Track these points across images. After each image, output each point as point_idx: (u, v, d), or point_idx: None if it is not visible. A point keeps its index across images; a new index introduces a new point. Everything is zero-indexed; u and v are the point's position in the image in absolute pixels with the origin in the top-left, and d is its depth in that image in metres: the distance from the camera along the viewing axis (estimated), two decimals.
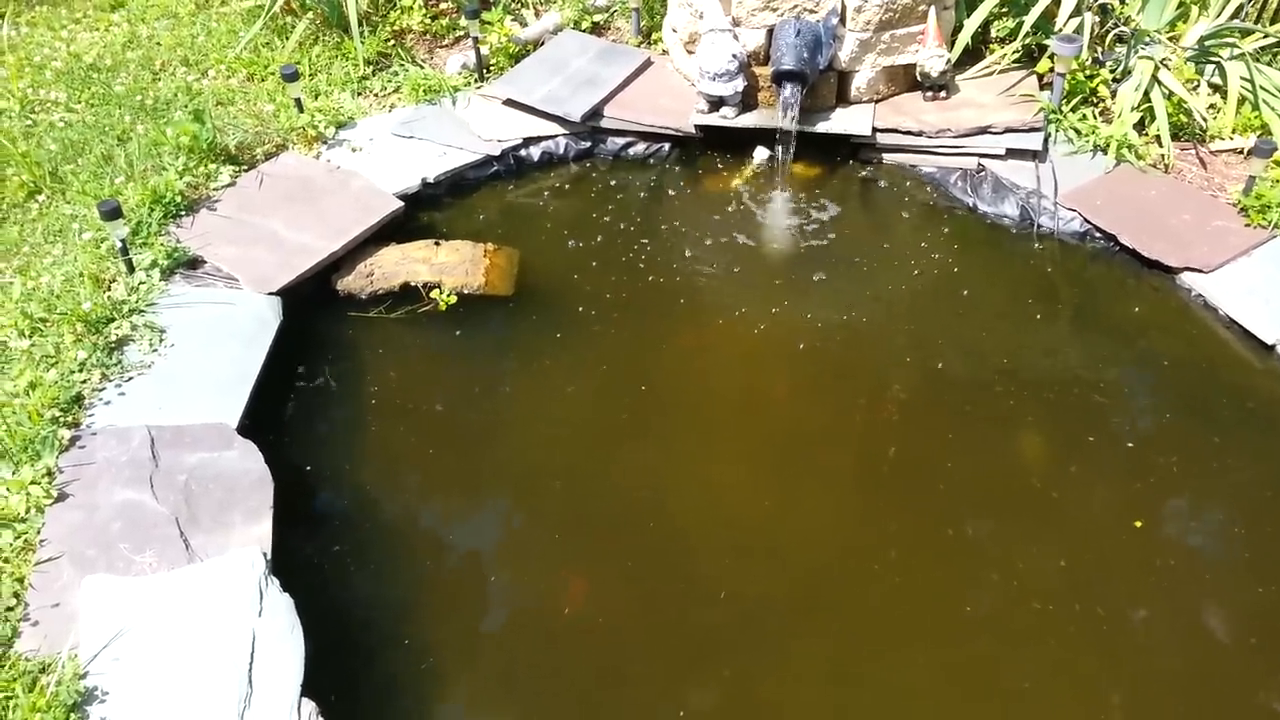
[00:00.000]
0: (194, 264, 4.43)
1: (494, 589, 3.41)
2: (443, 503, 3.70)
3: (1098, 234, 4.68)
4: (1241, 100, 5.08)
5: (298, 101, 5.23)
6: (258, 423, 3.76)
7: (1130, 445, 3.75)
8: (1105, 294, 4.48)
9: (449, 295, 4.44)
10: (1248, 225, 4.53)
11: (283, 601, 3.03)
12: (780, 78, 4.93)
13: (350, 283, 4.52)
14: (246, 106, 5.40)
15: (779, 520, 3.61)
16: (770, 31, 5.07)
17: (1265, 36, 5.22)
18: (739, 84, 5.11)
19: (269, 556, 3.17)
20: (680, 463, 3.82)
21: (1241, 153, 5.04)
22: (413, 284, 4.50)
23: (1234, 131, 5.11)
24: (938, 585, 3.38)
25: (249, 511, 3.32)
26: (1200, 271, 4.36)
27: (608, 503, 3.67)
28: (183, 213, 4.66)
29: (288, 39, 5.83)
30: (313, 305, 4.42)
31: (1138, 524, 3.51)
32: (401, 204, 4.82)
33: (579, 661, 3.21)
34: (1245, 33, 5.23)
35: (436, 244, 4.68)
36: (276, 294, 4.30)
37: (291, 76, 5.14)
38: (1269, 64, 5.24)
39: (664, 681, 3.15)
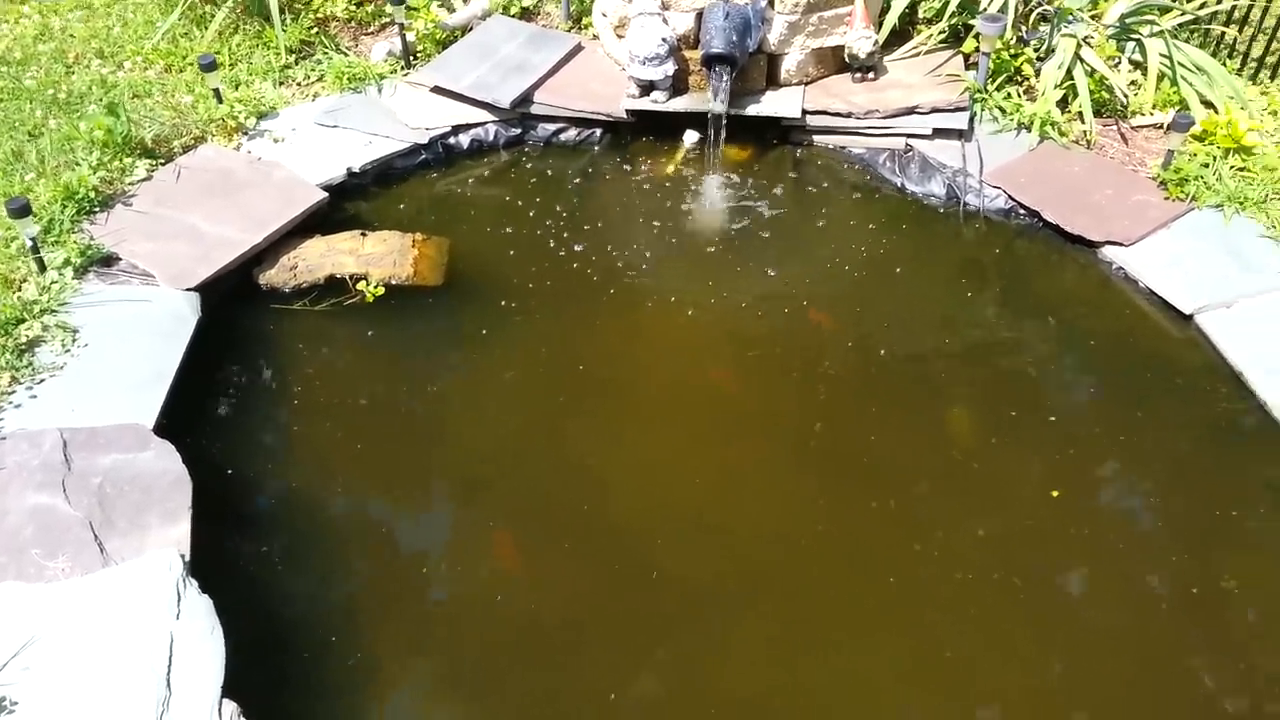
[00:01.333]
0: (109, 261, 4.30)
1: (427, 584, 3.37)
2: (372, 499, 3.64)
3: (1022, 211, 4.74)
4: (1161, 76, 5.16)
5: (216, 92, 5.10)
6: (176, 422, 3.66)
7: (1052, 419, 3.80)
8: (1030, 270, 4.54)
9: (376, 286, 4.37)
10: (1166, 198, 4.62)
11: (202, 603, 2.96)
12: (710, 61, 4.92)
13: (273, 276, 4.42)
14: (164, 99, 5.25)
15: (713, 500, 3.61)
16: (700, 15, 5.04)
17: (1183, 14, 5.30)
18: (669, 68, 5.08)
19: (187, 558, 3.09)
20: (617, 448, 3.81)
21: (1161, 128, 5.13)
22: (338, 276, 4.42)
23: (1154, 107, 5.20)
24: (866, 559, 3.40)
25: (166, 513, 3.23)
26: (1121, 245, 4.43)
27: (545, 491, 3.64)
28: (97, 209, 4.52)
29: (207, 28, 5.68)
30: (234, 300, 4.33)
31: (1055, 493, 3.55)
32: (326, 195, 4.72)
33: (515, 651, 3.18)
34: (1164, 10, 5.31)
35: (363, 235, 4.59)
36: (195, 290, 4.19)
37: (209, 66, 5.01)
38: (1187, 40, 5.33)
39: (603, 667, 3.13)
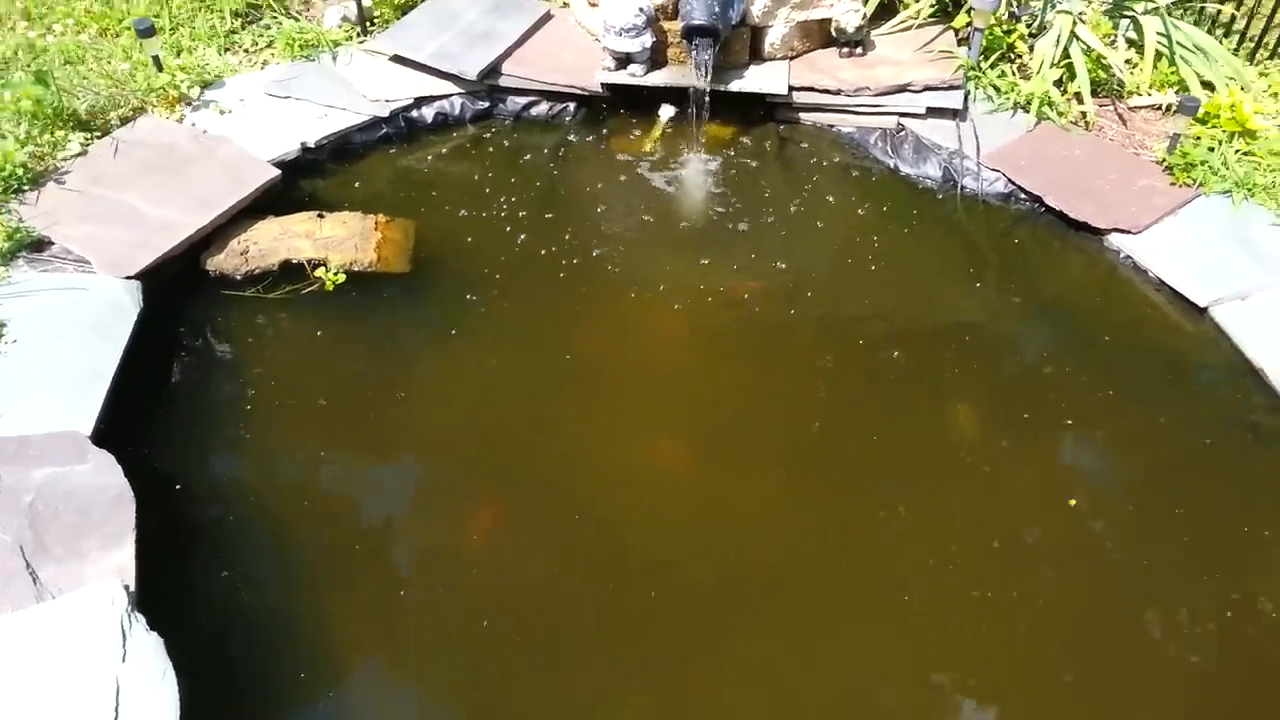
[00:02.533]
0: (39, 246, 3.87)
1: (404, 608, 3.04)
2: (338, 511, 3.29)
3: (1023, 195, 4.51)
4: (1158, 56, 4.95)
5: (156, 59, 4.66)
6: (117, 429, 3.29)
7: (1069, 421, 3.57)
8: (1032, 257, 4.31)
9: (336, 273, 4.00)
10: (1173, 184, 4.41)
11: (150, 642, 2.61)
12: (691, 33, 4.58)
13: (222, 262, 4.03)
14: (98, 66, 4.78)
15: (701, 497, 3.35)
16: None
17: None
18: (647, 40, 4.74)
19: (132, 589, 2.73)
20: (601, 442, 3.52)
21: (1159, 109, 4.93)
22: (294, 261, 4.04)
23: (1151, 87, 4.99)
24: (874, 573, 3.16)
25: (107, 536, 2.87)
26: (1128, 233, 4.22)
27: (523, 496, 3.35)
28: (25, 187, 4.08)
29: None
30: (179, 289, 3.94)
31: (1072, 502, 3.33)
32: (278, 172, 4.33)
33: (490, 667, 2.90)
34: None
35: (320, 216, 4.21)
36: (135, 278, 3.80)
37: (147, 31, 4.56)
38: (1182, 18, 5.12)
39: (582, 675, 2.87)
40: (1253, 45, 5.18)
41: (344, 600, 3.04)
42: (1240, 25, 5.26)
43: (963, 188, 4.58)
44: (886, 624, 3.03)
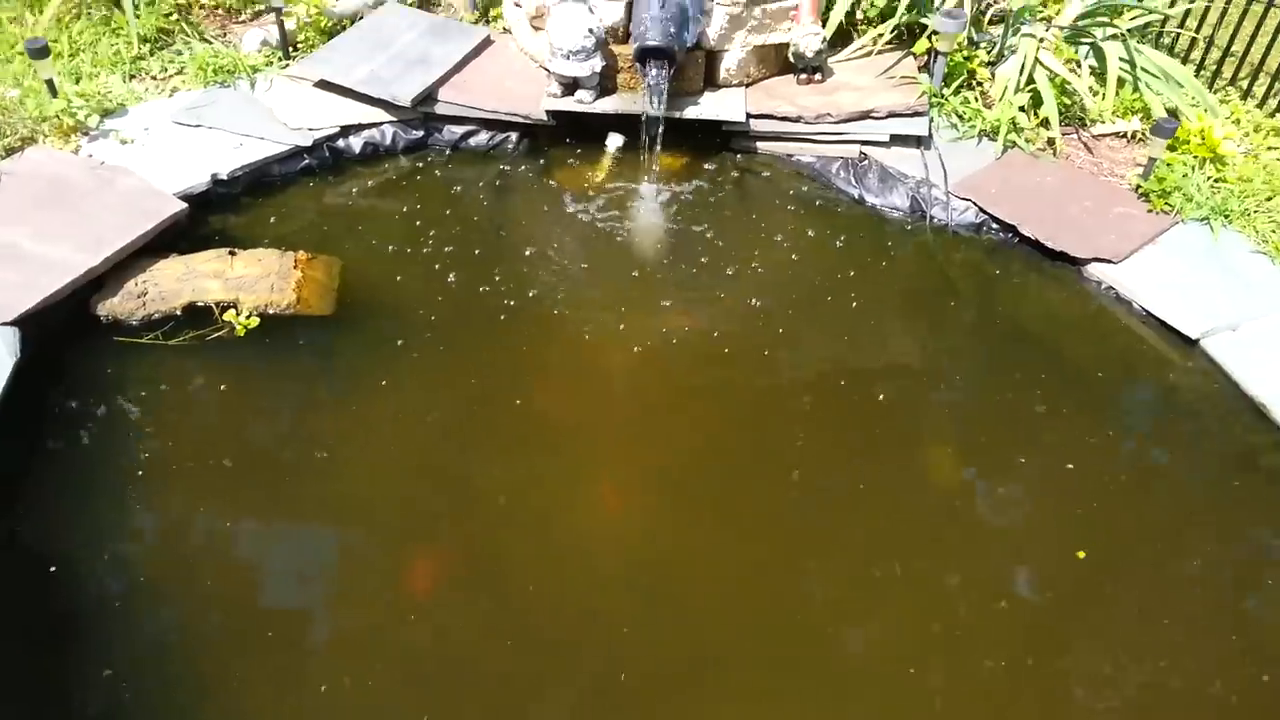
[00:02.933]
0: None
1: (321, 703, 2.57)
2: (243, 593, 2.81)
3: (995, 225, 4.24)
4: (1121, 82, 4.77)
5: (49, 83, 4.19)
6: None
7: (1069, 466, 3.25)
8: (1009, 291, 4.03)
9: (249, 317, 3.54)
10: (1150, 211, 4.19)
11: None
12: (645, 55, 4.27)
13: (116, 306, 3.55)
14: None
15: (658, 568, 2.95)
16: (630, 4, 4.40)
17: (1144, 12, 4.93)
18: (596, 63, 4.41)
19: None
20: (544, 501, 3.10)
21: (1125, 136, 4.73)
22: (201, 304, 3.58)
23: (1115, 114, 4.80)
24: (874, 643, 2.77)
25: None
26: (1110, 262, 3.97)
27: (458, 565, 2.93)
28: None
29: (42, 12, 4.75)
30: (66, 336, 3.45)
31: (1081, 555, 3.00)
32: (184, 206, 3.88)
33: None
34: (1117, 11, 4.94)
35: (232, 254, 3.76)
36: (14, 324, 3.31)
37: (40, 52, 4.10)
38: (1144, 42, 4.97)
39: None
40: (1210, 75, 5.04)
41: (252, 697, 2.56)
42: (1197, 56, 5.12)
43: (932, 218, 4.31)
44: (885, 696, 2.64)
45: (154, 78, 4.62)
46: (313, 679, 2.61)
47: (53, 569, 2.76)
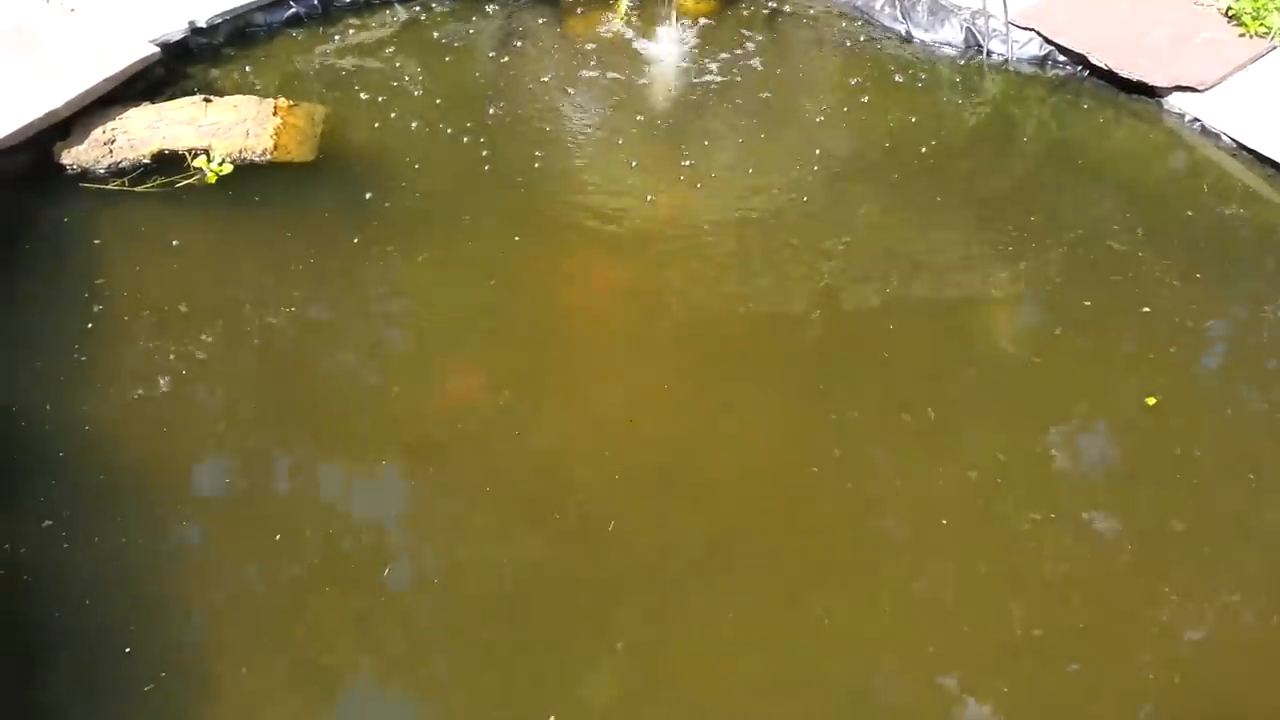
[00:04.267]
0: None
1: (303, 582, 2.29)
2: (218, 469, 2.51)
3: (1061, 57, 3.75)
4: None
5: None
6: None
7: (1145, 310, 2.81)
8: (1081, 128, 3.54)
9: (220, 163, 3.21)
10: (1242, 35, 3.64)
11: None
12: None
13: (82, 154, 3.24)
14: None
15: (681, 437, 2.59)
16: None
17: None
18: None
19: None
20: (551, 377, 2.75)
21: None
22: (171, 151, 3.26)
23: None
24: (901, 489, 2.41)
25: None
26: (1194, 90, 3.46)
27: (462, 436, 2.58)
28: None
29: None
30: (26, 183, 3.16)
31: (1151, 400, 2.58)
32: (156, 50, 3.55)
33: (454, 631, 2.19)
34: None
35: (206, 101, 3.43)
36: None
37: None
38: None
39: (546, 654, 2.15)
40: None
41: (209, 540, 2.29)
42: None
43: (989, 53, 3.81)
44: (927, 562, 2.28)
45: None
46: (285, 555, 2.32)
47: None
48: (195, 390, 2.63)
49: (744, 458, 2.53)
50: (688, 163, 3.36)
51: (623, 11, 4.14)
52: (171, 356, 2.70)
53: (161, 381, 2.64)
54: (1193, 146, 3.36)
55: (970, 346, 2.80)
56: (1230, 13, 3.72)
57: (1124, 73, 3.54)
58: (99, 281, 2.88)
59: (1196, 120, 3.42)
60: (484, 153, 3.41)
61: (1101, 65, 3.59)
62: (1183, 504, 2.38)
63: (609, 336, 2.87)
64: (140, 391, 2.61)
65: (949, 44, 3.90)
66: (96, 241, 3.01)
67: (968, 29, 3.89)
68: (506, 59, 3.88)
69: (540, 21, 4.08)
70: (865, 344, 2.77)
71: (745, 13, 4.11)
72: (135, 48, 3.51)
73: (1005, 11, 3.85)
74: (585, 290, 3.01)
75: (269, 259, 3.00)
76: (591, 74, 3.81)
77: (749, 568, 2.29)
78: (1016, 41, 3.81)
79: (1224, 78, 3.47)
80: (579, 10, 4.13)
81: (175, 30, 3.71)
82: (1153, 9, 3.78)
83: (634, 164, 3.39)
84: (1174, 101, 3.48)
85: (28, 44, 3.49)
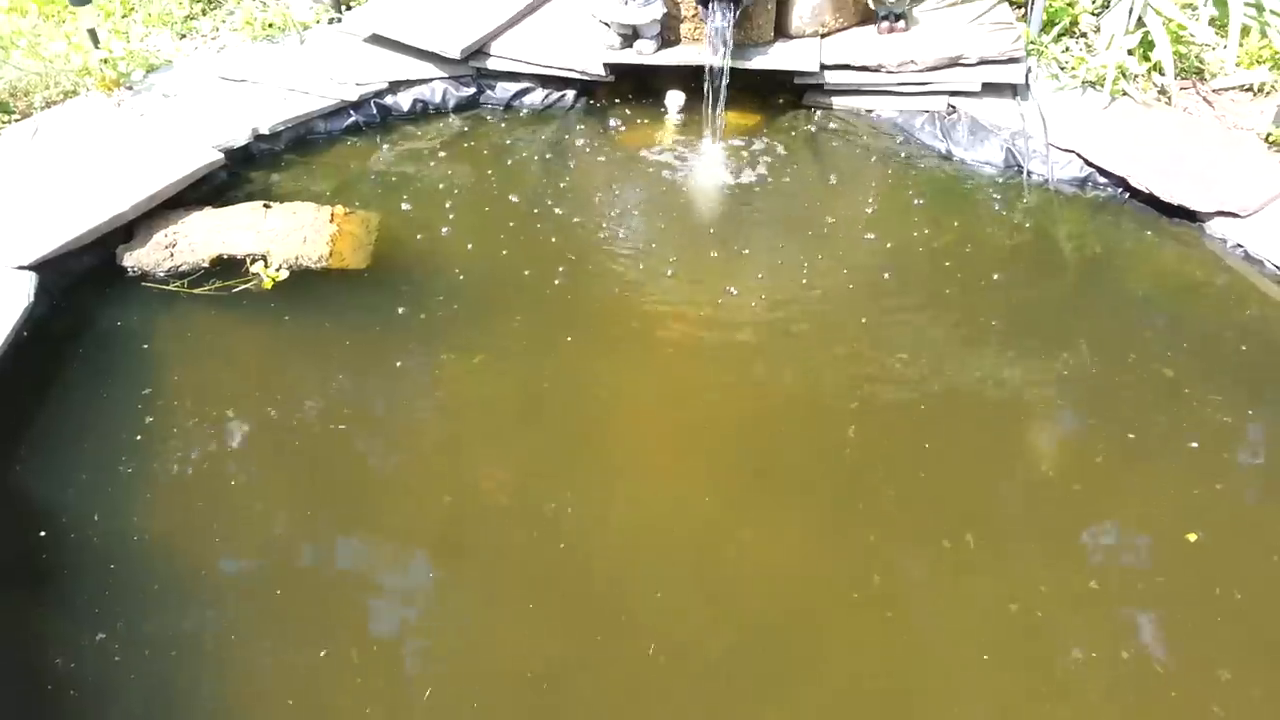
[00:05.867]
0: None
1: (330, 668, 2.26)
2: (241, 557, 2.52)
3: (1102, 179, 3.76)
4: (1245, 31, 4.22)
5: (91, 33, 4.02)
6: None
7: (1192, 445, 2.76)
8: (1122, 251, 3.53)
9: (278, 269, 3.29)
10: None
11: None
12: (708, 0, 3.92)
13: (143, 256, 3.34)
14: (29, 48, 4.16)
15: (715, 551, 2.56)
16: None
17: None
18: (657, 9, 4.07)
19: None
20: (597, 484, 2.73)
21: (1251, 89, 4.18)
22: (229, 256, 3.34)
23: (1237, 65, 4.25)
24: (943, 625, 2.35)
25: None
26: (1236, 216, 3.45)
27: (505, 540, 2.57)
28: None
29: None
30: (89, 285, 3.25)
31: (1191, 537, 2.53)
32: (221, 156, 3.67)
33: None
34: None
35: (267, 207, 3.53)
36: (32, 268, 3.10)
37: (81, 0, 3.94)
38: None
39: None
40: None
41: (259, 654, 2.27)
42: None
43: (1029, 173, 3.84)
44: (967, 701, 2.21)
45: (203, 36, 4.44)
46: (335, 646, 2.30)
47: (43, 533, 2.51)
48: (243, 499, 2.63)
49: (779, 580, 2.48)
50: (730, 281, 3.38)
51: (671, 127, 4.24)
52: (220, 465, 2.72)
53: (210, 490, 2.65)
54: (1237, 273, 3.34)
55: (1010, 471, 2.75)
56: (1270, 139, 3.73)
57: (1165, 196, 3.55)
58: (147, 391, 2.90)
59: (1239, 246, 3.41)
60: (530, 265, 3.45)
61: (1143, 188, 3.60)
62: (1226, 644, 2.30)
63: (648, 443, 2.85)
64: (189, 501, 2.62)
65: (989, 163, 3.93)
66: (150, 346, 3.06)
67: (1007, 149, 3.92)
68: (556, 171, 3.96)
69: (590, 135, 4.18)
70: (903, 463, 2.73)
71: (788, 128, 4.19)
72: (200, 153, 3.63)
73: (1045, 133, 3.90)
74: (626, 397, 3.01)
75: (322, 368, 3.04)
76: (640, 186, 3.89)
77: (784, 697, 2.22)
78: (1056, 162, 3.83)
79: (1265, 204, 3.47)
80: (629, 125, 4.23)
81: (239, 136, 3.83)
82: (1192, 133, 3.81)
83: (677, 274, 3.41)
84: (1216, 226, 3.48)
85: (99, 149, 3.62)
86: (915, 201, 3.77)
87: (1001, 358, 3.06)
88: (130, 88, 4.03)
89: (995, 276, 3.38)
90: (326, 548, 2.58)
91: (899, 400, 2.94)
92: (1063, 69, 4.18)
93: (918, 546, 2.54)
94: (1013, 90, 4.09)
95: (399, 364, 3.05)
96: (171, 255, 3.34)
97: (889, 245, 3.52)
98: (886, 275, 3.39)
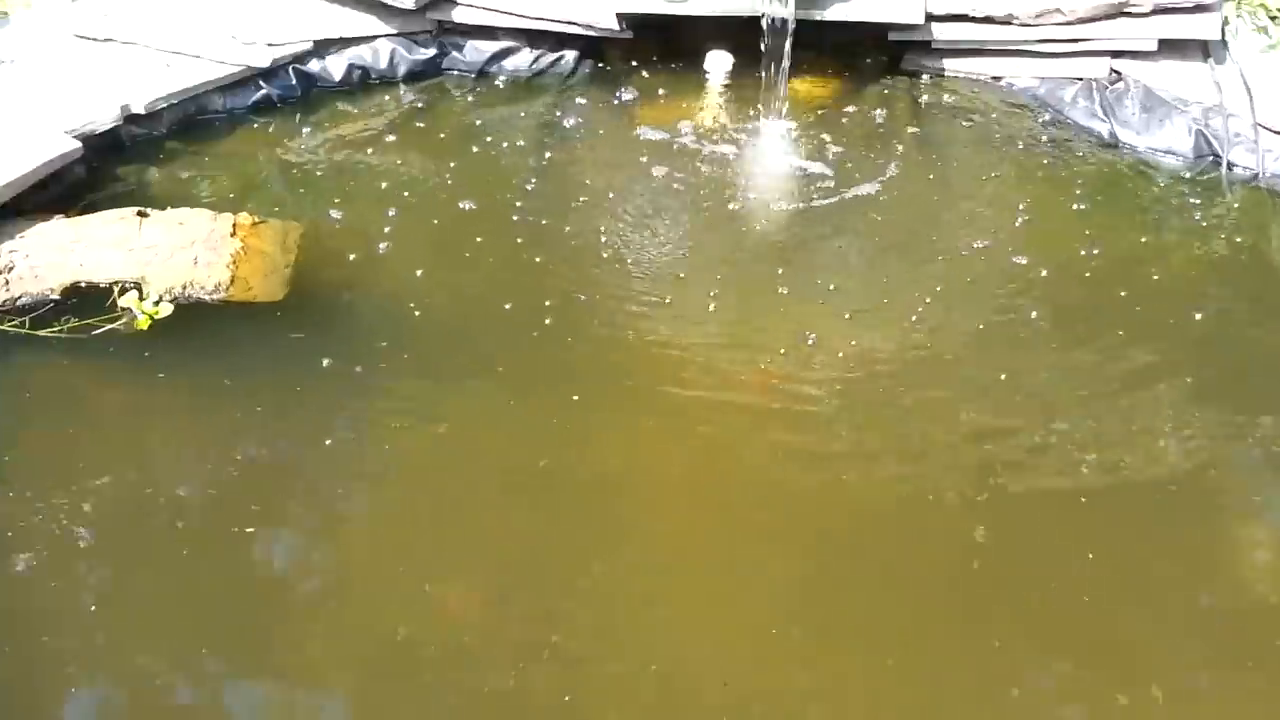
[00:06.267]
0: None
1: None
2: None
3: None
4: None
5: None
6: None
7: None
8: None
9: (157, 304, 3.36)
10: None
11: None
12: None
13: None
14: None
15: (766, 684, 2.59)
16: None
17: None
18: None
19: None
20: (604, 621, 2.76)
21: None
22: (88, 284, 3.42)
23: None
24: None
25: None
26: None
27: (473, 693, 2.58)
28: None
29: None
30: None
31: None
32: (77, 144, 3.80)
33: None
34: None
35: (142, 215, 3.63)
36: None
37: None
38: None
39: None
40: None
41: None
42: None
43: (1230, 165, 3.99)
44: None
45: None
46: None
47: None
48: (105, 630, 2.67)
49: None
50: (803, 324, 3.45)
51: (713, 100, 4.35)
52: (72, 581, 2.76)
53: (56, 618, 2.69)
54: None
55: (1212, 596, 2.79)
56: None
57: None
58: (27, 449, 3.03)
59: None
60: (511, 297, 3.53)
61: None
62: None
63: (679, 564, 2.89)
64: (27, 633, 2.65)
65: (1172, 152, 4.09)
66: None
67: (1198, 132, 4.06)
68: (547, 163, 4.10)
69: (597, 112, 4.35)
70: (1056, 582, 2.78)
71: (882, 103, 4.35)
72: (48, 141, 3.75)
73: (1252, 109, 3.99)
74: (649, 493, 3.08)
75: (220, 443, 3.09)
76: (667, 184, 3.98)
77: None
78: (1269, 150, 3.97)
79: None
80: (652, 98, 4.35)
81: (104, 117, 3.95)
82: None
83: (724, 313, 3.49)
84: None
85: None
86: (1073, 207, 3.90)
87: (1202, 432, 3.11)
88: None
89: (1195, 315, 3.46)
90: (218, 704, 2.59)
91: (1050, 491, 2.98)
92: (1274, 19, 4.29)
93: (1080, 704, 2.55)
94: (1203, 49, 4.25)
95: (328, 440, 3.10)
96: (6, 284, 3.42)
97: (1035, 270, 3.61)
98: (1034, 314, 3.48)
